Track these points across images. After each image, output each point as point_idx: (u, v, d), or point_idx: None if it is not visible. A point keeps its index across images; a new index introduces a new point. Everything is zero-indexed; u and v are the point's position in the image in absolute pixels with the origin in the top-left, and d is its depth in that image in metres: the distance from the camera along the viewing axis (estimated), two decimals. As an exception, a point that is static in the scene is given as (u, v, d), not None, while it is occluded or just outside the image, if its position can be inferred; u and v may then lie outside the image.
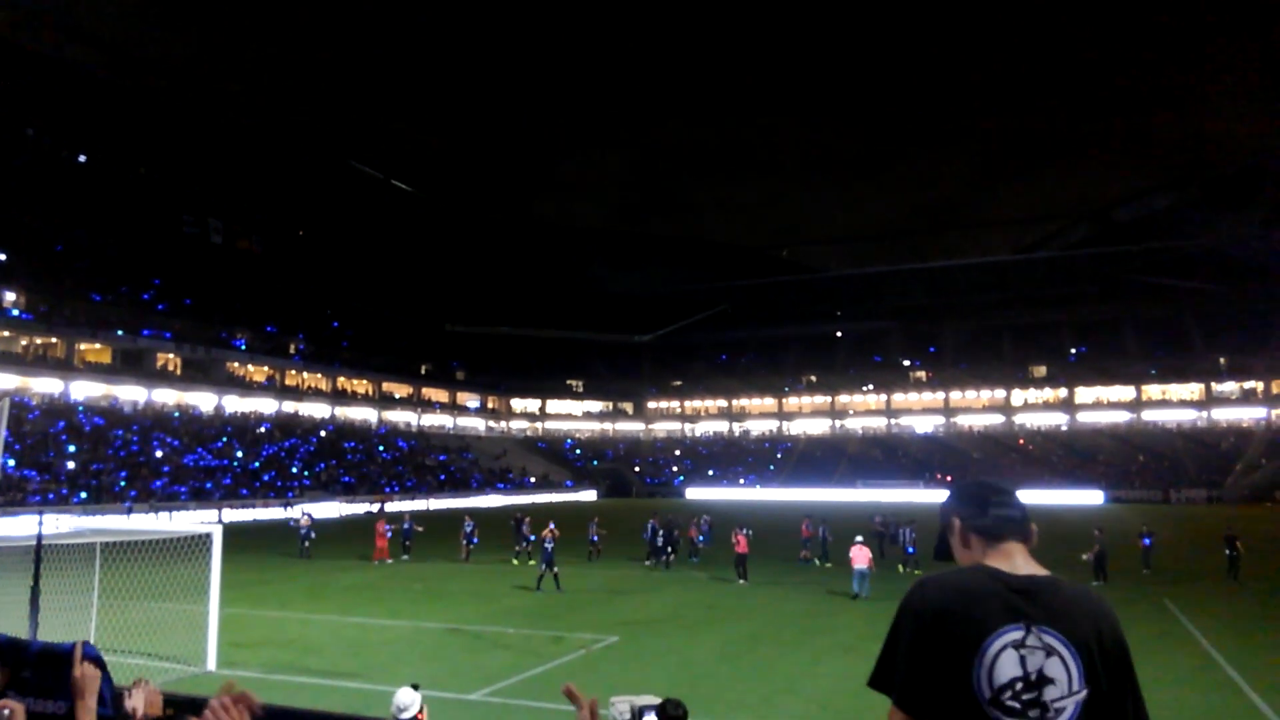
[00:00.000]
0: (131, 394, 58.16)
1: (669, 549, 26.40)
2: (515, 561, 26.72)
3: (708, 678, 12.74)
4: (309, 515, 30.11)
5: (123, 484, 45.62)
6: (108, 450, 49.02)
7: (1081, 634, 1.94)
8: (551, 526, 22.40)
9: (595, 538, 28.66)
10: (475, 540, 28.30)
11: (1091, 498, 64.68)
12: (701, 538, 30.11)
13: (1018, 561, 2.07)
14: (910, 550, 25.15)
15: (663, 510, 31.25)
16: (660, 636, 15.85)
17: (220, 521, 33.84)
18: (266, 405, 67.46)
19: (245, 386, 67.09)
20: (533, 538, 26.24)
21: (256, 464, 56.54)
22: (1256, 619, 17.66)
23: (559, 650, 14.51)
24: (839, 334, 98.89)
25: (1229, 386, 79.56)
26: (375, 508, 53.20)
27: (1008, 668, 1.91)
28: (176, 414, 59.21)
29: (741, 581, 22.80)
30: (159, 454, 51.60)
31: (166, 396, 60.68)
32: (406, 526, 29.25)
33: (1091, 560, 22.22)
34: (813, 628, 16.89)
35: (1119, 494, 66.44)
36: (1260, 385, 77.56)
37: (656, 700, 8.19)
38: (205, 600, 13.20)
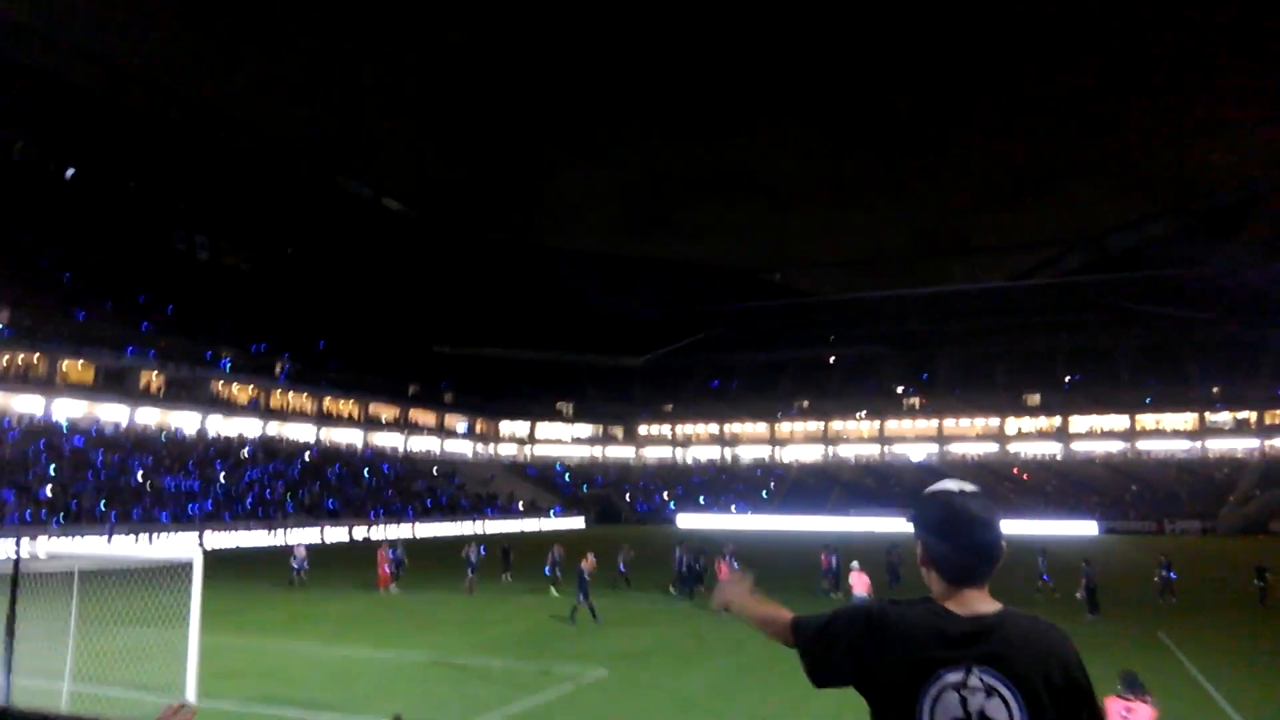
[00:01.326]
0: (114, 414, 57.41)
1: (699, 580, 25.64)
2: (554, 591, 25.60)
3: (696, 710, 12.44)
4: (304, 547, 29.33)
5: (103, 507, 44.90)
6: (88, 472, 48.30)
7: (1025, 673, 1.94)
8: (590, 557, 21.57)
9: (623, 566, 28.01)
10: (474, 567, 27.10)
11: (1086, 529, 64.44)
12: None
13: (969, 601, 2.08)
14: None
15: (691, 540, 30.45)
16: (649, 669, 15.48)
17: (202, 546, 33.24)
18: (251, 427, 66.70)
19: (229, 407, 66.29)
20: (548, 567, 26.23)
21: (239, 488, 55.84)
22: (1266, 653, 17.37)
23: (545, 683, 14.10)
24: (832, 359, 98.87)
25: (1223, 417, 79.68)
26: (369, 534, 52.59)
27: (949, 709, 1.95)
28: (160, 435, 58.51)
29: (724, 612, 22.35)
30: (140, 476, 50.88)
31: (149, 417, 59.88)
32: (396, 554, 28.34)
33: (1084, 596, 21.88)
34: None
35: (1113, 525, 66.24)
36: (1254, 415, 77.71)
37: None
38: (185, 628, 12.79)
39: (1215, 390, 79.74)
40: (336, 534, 54.04)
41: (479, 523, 66.60)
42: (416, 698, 12.94)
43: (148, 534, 42.72)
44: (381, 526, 57.96)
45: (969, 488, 2.17)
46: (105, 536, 39.03)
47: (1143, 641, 18.28)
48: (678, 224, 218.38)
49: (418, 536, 58.01)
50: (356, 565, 33.68)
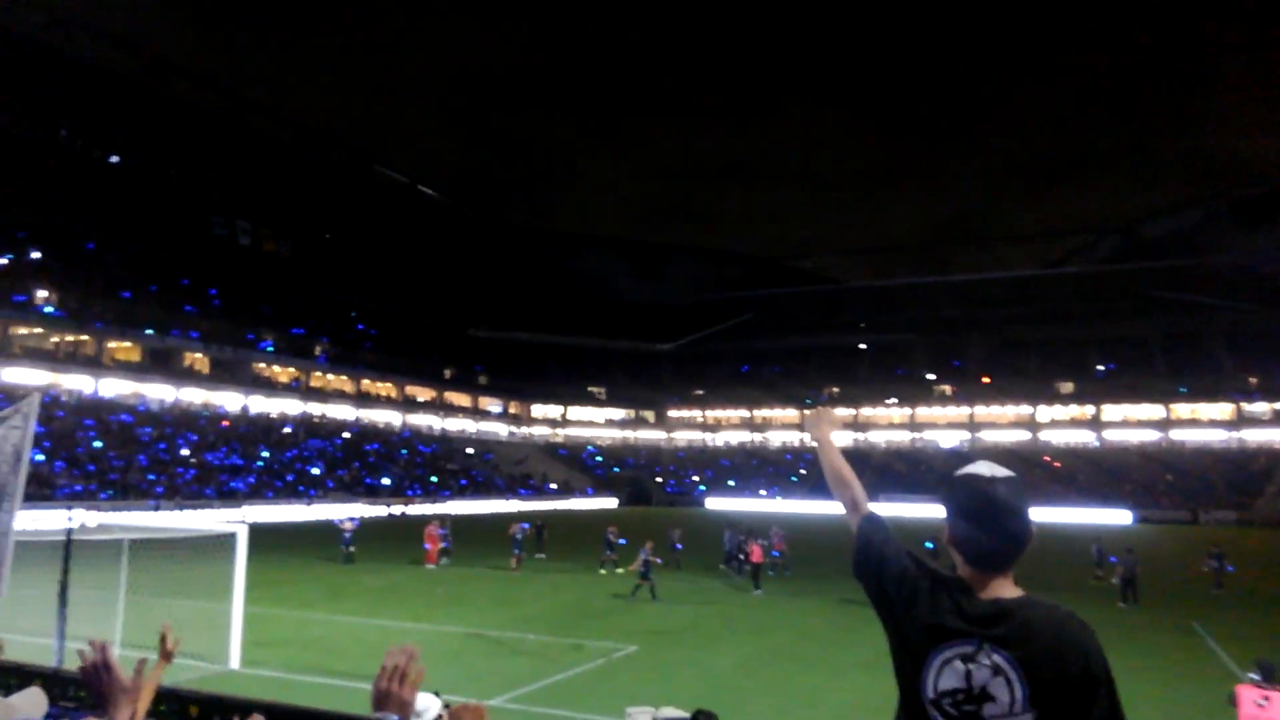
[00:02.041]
0: (159, 393, 58.87)
1: (747, 561, 26.17)
2: (603, 570, 26.53)
3: (726, 689, 12.68)
4: (354, 520, 29.22)
5: (149, 481, 46.16)
6: (135, 448, 49.62)
7: (1036, 659, 1.96)
8: (650, 545, 22.45)
9: (679, 545, 28.68)
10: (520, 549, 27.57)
11: (1120, 517, 63.79)
12: (775, 553, 30.41)
13: (992, 585, 2.09)
14: None
15: (739, 523, 31.04)
16: (679, 647, 15.80)
17: (244, 521, 34.16)
18: (291, 406, 68.07)
19: (270, 387, 67.72)
20: (614, 544, 27.13)
21: (280, 465, 57.03)
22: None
23: (579, 658, 14.50)
24: (862, 346, 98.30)
25: (1259, 407, 78.26)
26: (405, 511, 53.51)
27: (952, 677, 2.01)
28: (204, 413, 59.88)
29: (757, 592, 22.73)
30: (185, 452, 52.17)
31: (193, 396, 61.33)
32: (444, 531, 28.92)
33: (1119, 582, 21.89)
34: (834, 642, 16.78)
35: (1147, 514, 65.47)
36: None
37: (679, 713, 8.14)
38: (229, 599, 13.32)
39: (1251, 380, 78.34)
40: (374, 511, 55.04)
41: (512, 502, 67.42)
42: (452, 670, 13.34)
43: (193, 508, 43.88)
44: (418, 504, 58.88)
45: (1001, 472, 2.14)
46: (152, 510, 40.17)
47: (1176, 629, 18.31)
48: (708, 211, 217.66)
49: (453, 514, 58.86)
50: (399, 540, 34.35)
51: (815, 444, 2.73)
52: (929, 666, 2.04)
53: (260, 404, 66.21)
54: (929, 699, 2.03)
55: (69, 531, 11.52)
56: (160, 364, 60.32)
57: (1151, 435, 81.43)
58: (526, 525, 29.16)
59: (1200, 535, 48.23)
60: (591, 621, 18.15)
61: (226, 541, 14.19)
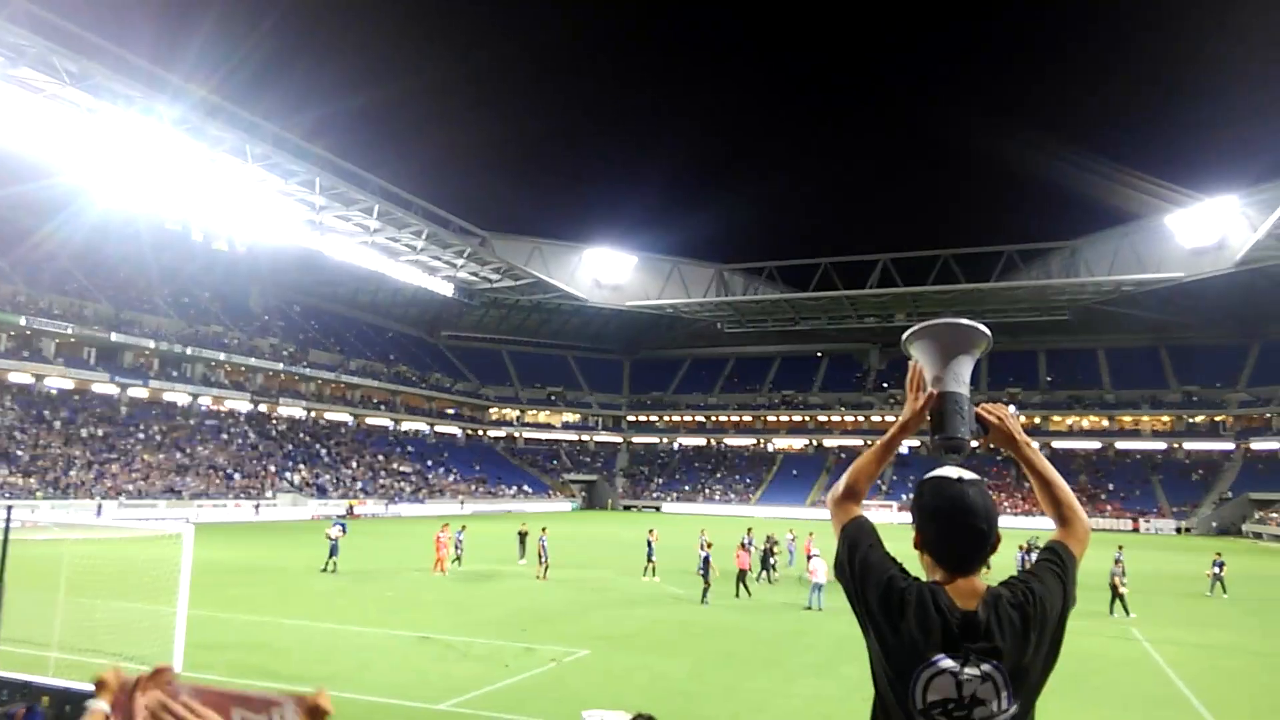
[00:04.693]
0: (107, 388, 57.53)
1: (772, 564, 27.37)
2: (645, 579, 26.36)
3: (677, 695, 12.75)
4: (341, 527, 27.68)
5: (93, 479, 45.11)
6: (79, 444, 48.46)
7: (1018, 655, 2.05)
8: (709, 545, 23.09)
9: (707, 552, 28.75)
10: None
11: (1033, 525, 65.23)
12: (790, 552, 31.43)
13: (964, 588, 2.13)
14: None
15: (756, 527, 31.34)
16: (631, 652, 15.85)
17: (190, 521, 33.51)
18: (242, 404, 66.88)
19: (222, 385, 66.47)
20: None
21: (230, 463, 56.06)
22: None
23: (529, 662, 14.47)
24: (819, 353, 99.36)
25: (1200, 419, 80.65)
26: (347, 511, 52.90)
27: (941, 690, 2.02)
28: (153, 410, 58.64)
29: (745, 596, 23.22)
30: (132, 450, 51.06)
31: (142, 392, 60.01)
32: (458, 536, 28.22)
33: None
34: (786, 647, 16.96)
35: (1090, 524, 66.88)
36: (1230, 418, 78.65)
37: (628, 716, 8.22)
38: (174, 601, 13.07)
39: (1192, 393, 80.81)
40: (327, 509, 54.38)
41: (467, 505, 67.03)
42: (401, 675, 13.25)
43: (138, 507, 42.97)
44: (370, 505, 58.32)
45: (969, 475, 2.20)
46: (95, 508, 39.26)
47: (1114, 635, 18.78)
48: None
49: (403, 515, 58.37)
50: (373, 541, 33.66)
51: (895, 432, 2.47)
52: (917, 679, 2.04)
53: (211, 401, 64.96)
54: (918, 710, 2.03)
55: (6, 528, 11.23)
56: (108, 359, 58.93)
57: (1095, 445, 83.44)
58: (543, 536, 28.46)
59: (1144, 543, 49.49)
60: (544, 625, 18.11)
61: (172, 541, 13.94)
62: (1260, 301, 72.94)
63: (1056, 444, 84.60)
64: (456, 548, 27.83)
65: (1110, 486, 75.85)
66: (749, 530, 27.94)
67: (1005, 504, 68.90)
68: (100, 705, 2.41)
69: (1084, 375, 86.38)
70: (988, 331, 2.46)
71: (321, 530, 29.18)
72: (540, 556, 26.14)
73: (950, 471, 2.23)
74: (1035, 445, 2.45)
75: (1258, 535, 61.93)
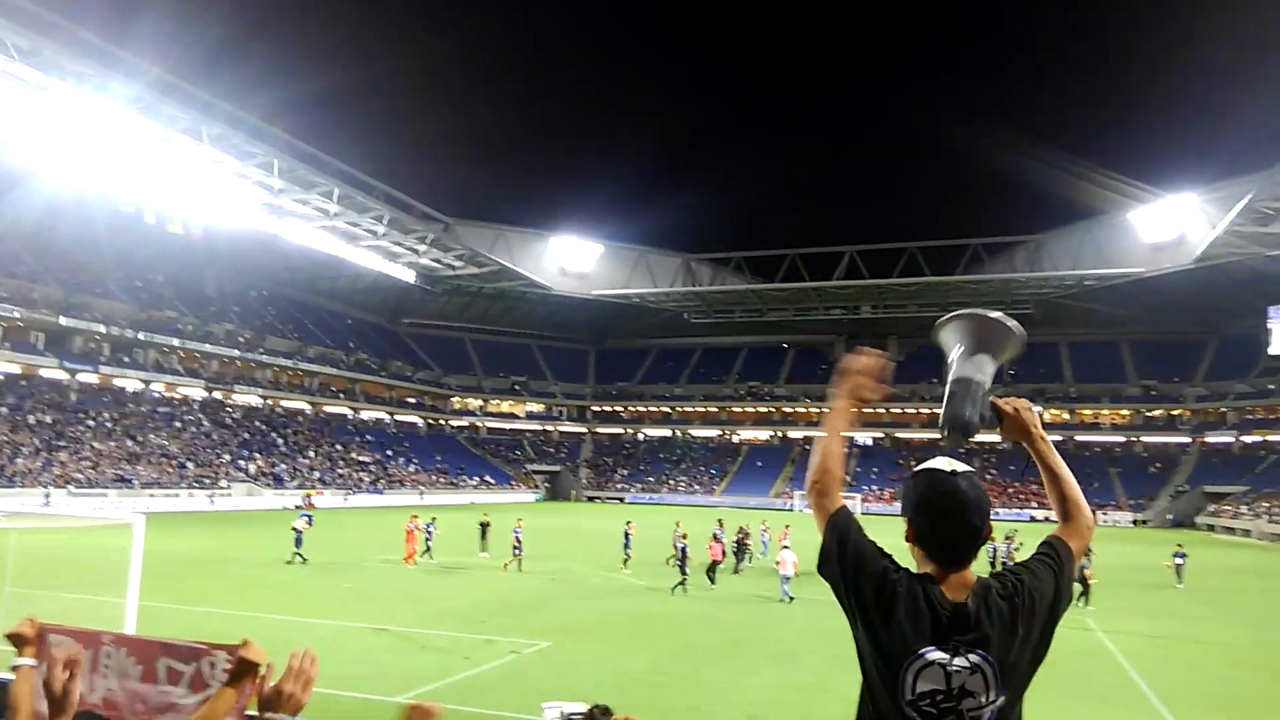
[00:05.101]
0: (55, 373, 56.01)
1: (745, 555, 28.00)
2: (626, 571, 26.41)
3: (638, 685, 12.64)
4: (307, 518, 27.13)
5: (41, 467, 43.96)
6: (26, 431, 47.21)
7: (1005, 647, 2.05)
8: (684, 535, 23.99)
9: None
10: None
11: (1021, 517, 66.23)
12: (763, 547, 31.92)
13: (956, 581, 2.12)
14: None
15: (728, 519, 31.82)
16: (592, 643, 15.70)
17: (139, 510, 32.75)
18: (197, 391, 65.51)
19: (175, 371, 65.02)
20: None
21: (183, 452, 54.98)
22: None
23: (489, 654, 14.24)
24: (785, 344, 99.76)
25: (1157, 412, 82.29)
26: (304, 502, 52.20)
27: (930, 681, 2.02)
28: (103, 397, 57.29)
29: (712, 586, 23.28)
30: (81, 437, 49.86)
31: (92, 378, 58.52)
32: (429, 527, 27.60)
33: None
34: (746, 637, 16.89)
35: (1048, 515, 68.05)
36: (1187, 412, 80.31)
37: (585, 706, 8.04)
38: (124, 592, 12.66)
39: (1151, 386, 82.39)
40: (283, 500, 53.61)
41: (427, 496, 66.44)
42: (357, 667, 12.96)
43: (88, 496, 41.98)
44: (329, 495, 57.58)
45: (960, 467, 2.17)
46: (43, 497, 38.28)
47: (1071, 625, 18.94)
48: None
49: (365, 506, 57.71)
50: (334, 532, 33.05)
51: (829, 409, 2.49)
52: (907, 671, 2.03)
53: (164, 388, 63.55)
54: (906, 700, 2.03)
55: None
56: (57, 344, 57.35)
57: (1055, 438, 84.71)
58: (433, 524, 28.05)
59: (1100, 535, 50.27)
60: (505, 617, 17.87)
61: (122, 532, 13.50)
62: (1217, 297, 74.34)
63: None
64: (427, 539, 27.35)
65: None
66: (720, 521, 27.96)
67: (1006, 498, 69.71)
68: (25, 661, 2.29)
69: (1047, 368, 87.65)
70: (1019, 332, 2.50)
71: (281, 521, 28.66)
72: (515, 548, 25.78)
73: (943, 464, 2.19)
74: (1050, 440, 2.47)
75: (1211, 527, 63.29)
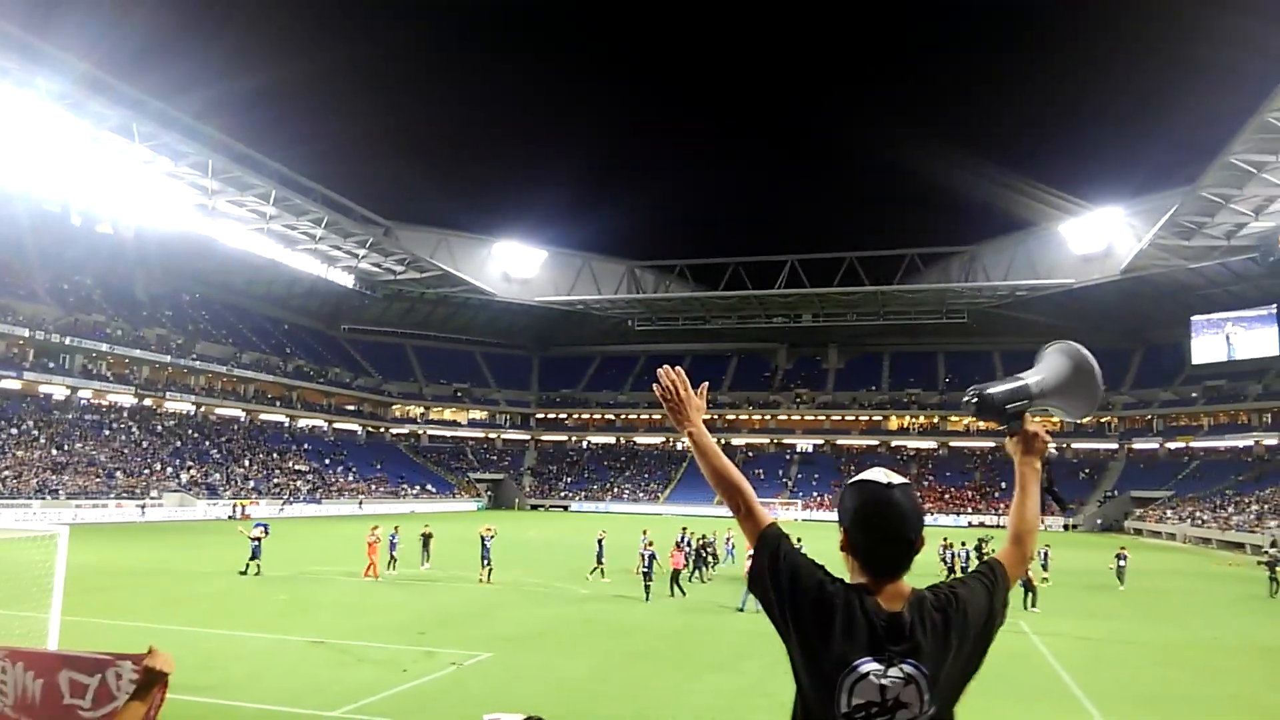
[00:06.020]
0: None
1: (707, 562, 28.01)
2: (605, 580, 26.05)
3: (580, 694, 12.58)
4: (263, 528, 26.12)
5: (-42, 477, 42.18)
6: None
7: (939, 658, 2.08)
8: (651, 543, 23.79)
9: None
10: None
11: (959, 522, 67.68)
12: (729, 552, 32.11)
13: (890, 592, 2.14)
14: None
15: (690, 526, 31.03)
16: (534, 653, 15.56)
17: (64, 521, 31.65)
18: (126, 398, 63.47)
19: (104, 378, 62.90)
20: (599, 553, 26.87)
21: (112, 461, 53.21)
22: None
23: (429, 666, 14.03)
24: (729, 352, 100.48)
25: (1087, 420, 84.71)
26: (237, 512, 50.97)
27: (865, 693, 2.03)
28: (27, 403, 55.18)
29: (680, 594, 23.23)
30: (3, 445, 47.95)
31: (15, 384, 56.28)
32: (393, 538, 26.85)
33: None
34: (690, 644, 16.92)
35: (985, 519, 69.64)
36: (1115, 418, 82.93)
37: (522, 718, 7.97)
38: (47, 607, 12.20)
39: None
40: (217, 510, 52.26)
41: (366, 505, 65.35)
42: (292, 681, 12.68)
43: (9, 506, 40.35)
44: (265, 503, 56.24)
45: (896, 479, 2.19)
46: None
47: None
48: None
49: (301, 516, 56.51)
50: (273, 543, 32.05)
51: (690, 439, 2.61)
52: (842, 684, 2.04)
53: (92, 395, 61.46)
54: (841, 713, 2.04)
55: None
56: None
57: (989, 444, 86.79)
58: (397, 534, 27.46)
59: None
60: (445, 628, 17.64)
61: (45, 543, 13.00)
62: (1143, 308, 77.00)
63: (954, 443, 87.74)
64: (391, 551, 26.65)
65: (1003, 485, 78.99)
66: (684, 529, 27.85)
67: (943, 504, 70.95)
68: None
69: (981, 376, 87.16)
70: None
71: (214, 532, 27.91)
72: (483, 560, 25.14)
73: (879, 475, 2.22)
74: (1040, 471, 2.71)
75: (1138, 531, 65.46)
